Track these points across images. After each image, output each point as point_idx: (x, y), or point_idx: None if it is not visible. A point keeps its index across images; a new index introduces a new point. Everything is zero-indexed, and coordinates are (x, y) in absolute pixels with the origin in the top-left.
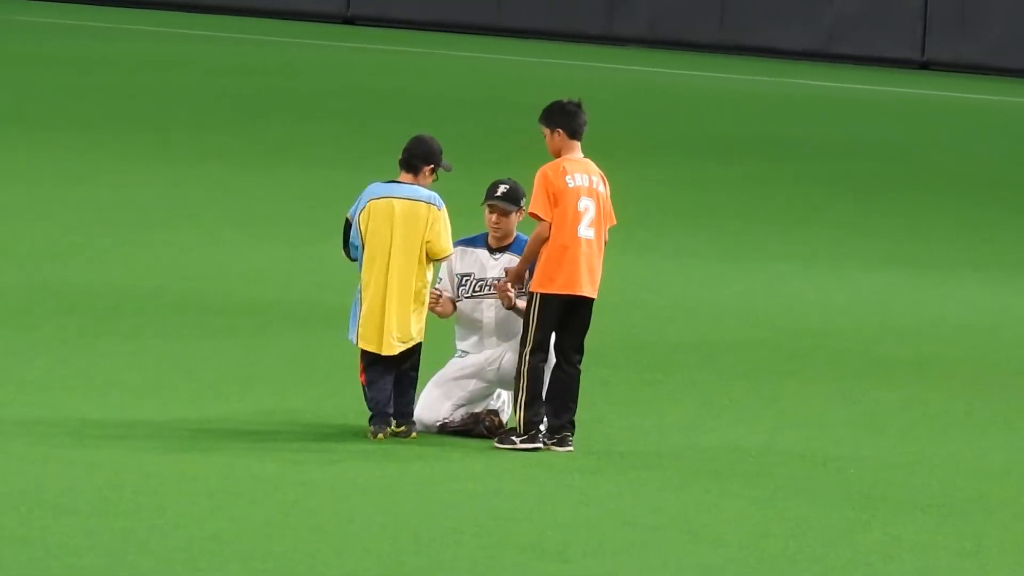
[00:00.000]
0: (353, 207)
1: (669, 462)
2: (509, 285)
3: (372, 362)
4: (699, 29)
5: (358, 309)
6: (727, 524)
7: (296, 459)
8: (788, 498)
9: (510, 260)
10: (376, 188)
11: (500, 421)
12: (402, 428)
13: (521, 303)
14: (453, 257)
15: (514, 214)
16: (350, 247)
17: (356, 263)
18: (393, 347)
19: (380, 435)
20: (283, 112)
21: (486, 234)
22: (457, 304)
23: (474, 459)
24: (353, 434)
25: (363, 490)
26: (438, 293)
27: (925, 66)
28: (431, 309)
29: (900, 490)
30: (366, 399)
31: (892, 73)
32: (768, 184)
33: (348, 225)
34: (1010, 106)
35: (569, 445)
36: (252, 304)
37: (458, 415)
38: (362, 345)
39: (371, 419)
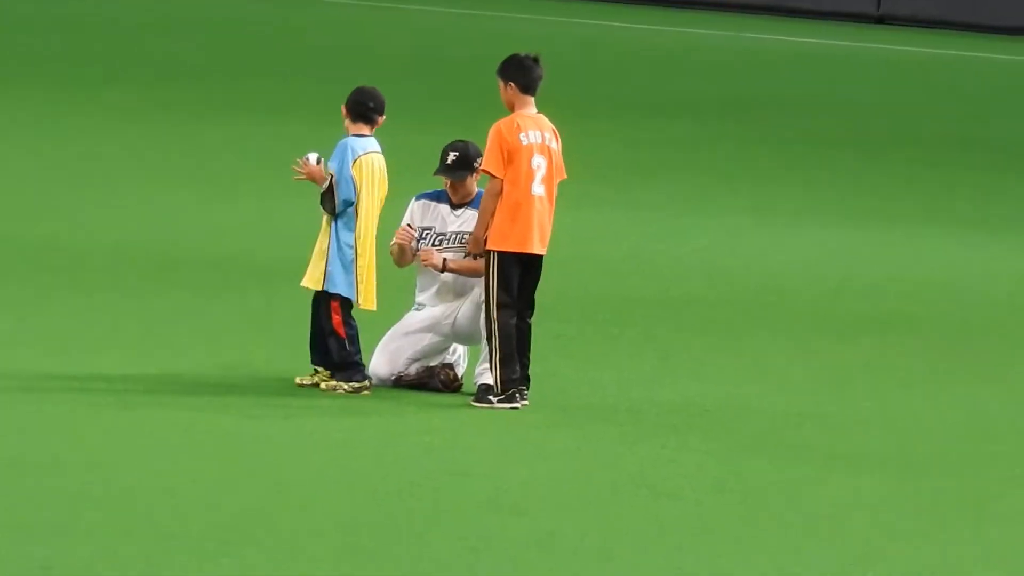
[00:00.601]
0: (335, 161)
1: (626, 416)
2: (434, 255)
3: (350, 313)
4: None
5: (352, 266)
6: (685, 479)
7: (255, 414)
8: (747, 453)
9: (471, 216)
10: (355, 142)
11: (455, 375)
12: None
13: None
14: (415, 210)
15: (470, 177)
16: (340, 202)
17: (339, 216)
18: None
19: (364, 387)
20: (241, 67)
21: (446, 191)
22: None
23: (430, 413)
24: (309, 390)
25: (321, 445)
26: (412, 233)
27: (880, 20)
28: (411, 252)
29: (859, 446)
30: (343, 351)
31: (848, 28)
32: (726, 142)
33: (331, 179)
34: (966, 60)
35: (524, 400)
36: (212, 260)
37: (413, 369)
38: (363, 305)
39: (346, 371)
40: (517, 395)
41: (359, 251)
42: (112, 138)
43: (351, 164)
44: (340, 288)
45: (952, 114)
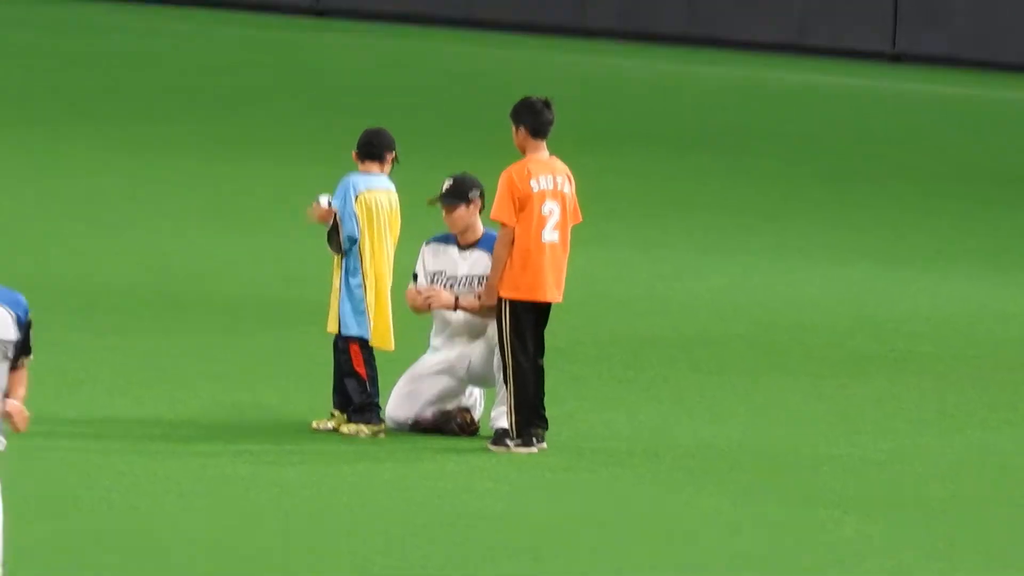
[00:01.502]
0: (338, 199)
1: (642, 459)
2: (443, 295)
3: (371, 355)
4: (669, 21)
5: (363, 305)
6: (700, 522)
7: (268, 458)
8: (761, 496)
9: (479, 257)
10: (358, 179)
11: (472, 418)
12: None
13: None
14: (426, 254)
15: (463, 207)
16: (344, 239)
17: (346, 254)
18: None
19: (381, 431)
20: (253, 105)
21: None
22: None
23: (446, 457)
24: (326, 434)
25: (335, 489)
26: (427, 293)
27: (897, 59)
28: (426, 306)
29: (873, 488)
30: (362, 393)
31: (863, 65)
32: (739, 177)
33: (335, 217)
34: (980, 99)
35: (542, 443)
36: (224, 300)
37: (430, 412)
38: (378, 344)
39: (364, 413)
40: (534, 438)
41: (367, 289)
42: (124, 177)
43: (353, 200)
44: (353, 329)
45: (966, 150)
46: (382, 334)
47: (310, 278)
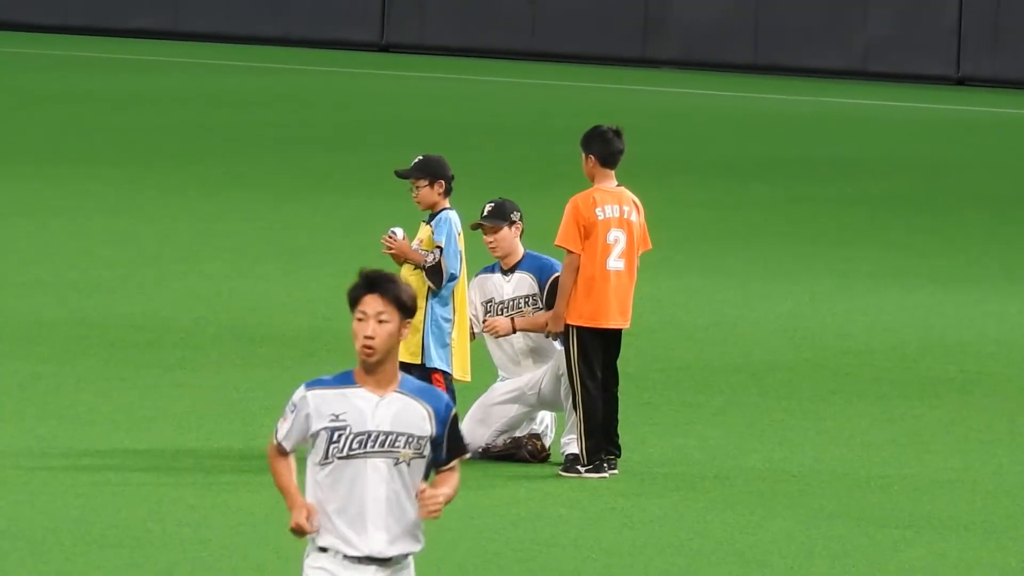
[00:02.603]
0: (443, 236)
1: (713, 484)
2: (500, 322)
3: (451, 384)
4: (734, 51)
5: (448, 338)
6: (772, 545)
7: None
8: (833, 518)
9: (521, 279)
10: (453, 215)
11: (543, 445)
12: None
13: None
14: (474, 289)
15: (505, 229)
16: (447, 275)
17: (440, 289)
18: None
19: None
20: (320, 142)
21: (498, 263)
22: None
23: (517, 484)
24: None
25: None
26: (486, 328)
27: (961, 82)
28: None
29: (944, 508)
30: None
31: (928, 90)
32: (807, 204)
33: (440, 254)
34: None
35: (613, 469)
36: (294, 334)
37: (500, 440)
38: (459, 375)
39: None
40: (605, 464)
41: (454, 324)
42: (189, 213)
43: (457, 237)
44: (437, 362)
45: None
46: (463, 367)
47: None
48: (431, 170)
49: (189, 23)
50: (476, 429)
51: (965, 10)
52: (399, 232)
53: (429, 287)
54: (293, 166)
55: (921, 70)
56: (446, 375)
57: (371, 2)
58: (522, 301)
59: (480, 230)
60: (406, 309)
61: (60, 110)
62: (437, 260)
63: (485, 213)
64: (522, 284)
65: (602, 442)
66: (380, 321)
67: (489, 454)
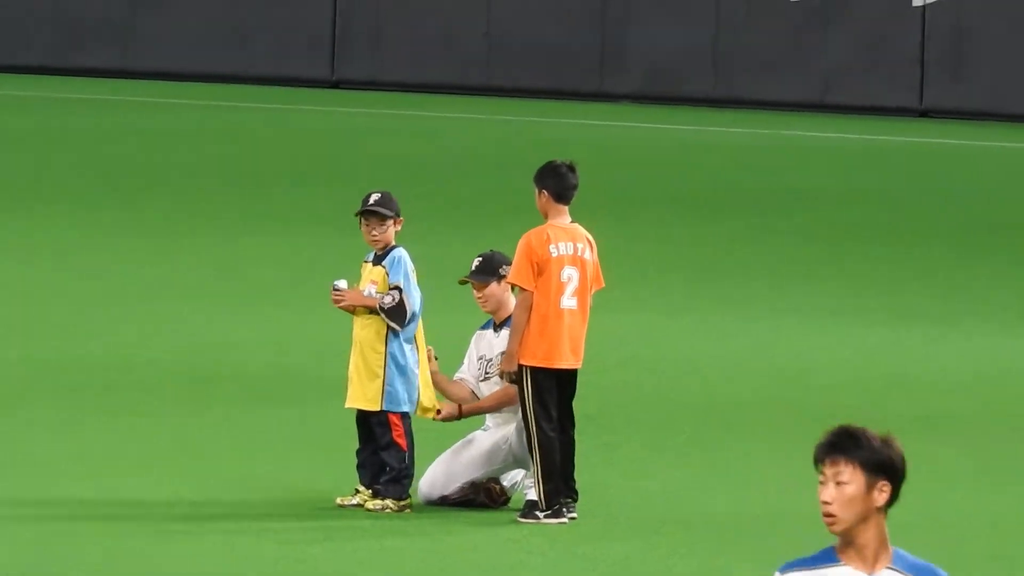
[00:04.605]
0: (399, 275)
1: (676, 528)
2: (447, 408)
3: (410, 426)
4: (692, 83)
5: (413, 377)
6: None
7: (296, 537)
8: None
9: (506, 334)
10: (405, 253)
11: (501, 489)
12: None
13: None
14: (472, 346)
15: (493, 284)
16: (409, 315)
17: (401, 331)
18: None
19: (408, 506)
20: (271, 179)
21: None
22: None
23: (476, 531)
24: (351, 511)
25: (364, 565)
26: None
27: (924, 114)
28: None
29: (912, 550)
30: (402, 464)
31: (890, 122)
32: (768, 237)
33: (400, 294)
34: (1012, 152)
35: (572, 513)
36: (249, 375)
37: (457, 487)
38: (430, 406)
39: (397, 485)
40: (564, 509)
41: (419, 362)
42: (142, 252)
43: (412, 273)
44: (402, 404)
45: (996, 205)
46: (431, 397)
47: (332, 352)
48: (395, 207)
49: (138, 61)
50: (440, 480)
51: (928, 39)
52: (343, 283)
53: (389, 328)
54: (245, 204)
55: (883, 101)
56: (404, 416)
57: (320, 37)
58: (499, 356)
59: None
60: (879, 469)
61: (8, 150)
62: (397, 301)
63: (473, 268)
64: (505, 340)
65: (561, 486)
66: (839, 483)
67: (446, 501)
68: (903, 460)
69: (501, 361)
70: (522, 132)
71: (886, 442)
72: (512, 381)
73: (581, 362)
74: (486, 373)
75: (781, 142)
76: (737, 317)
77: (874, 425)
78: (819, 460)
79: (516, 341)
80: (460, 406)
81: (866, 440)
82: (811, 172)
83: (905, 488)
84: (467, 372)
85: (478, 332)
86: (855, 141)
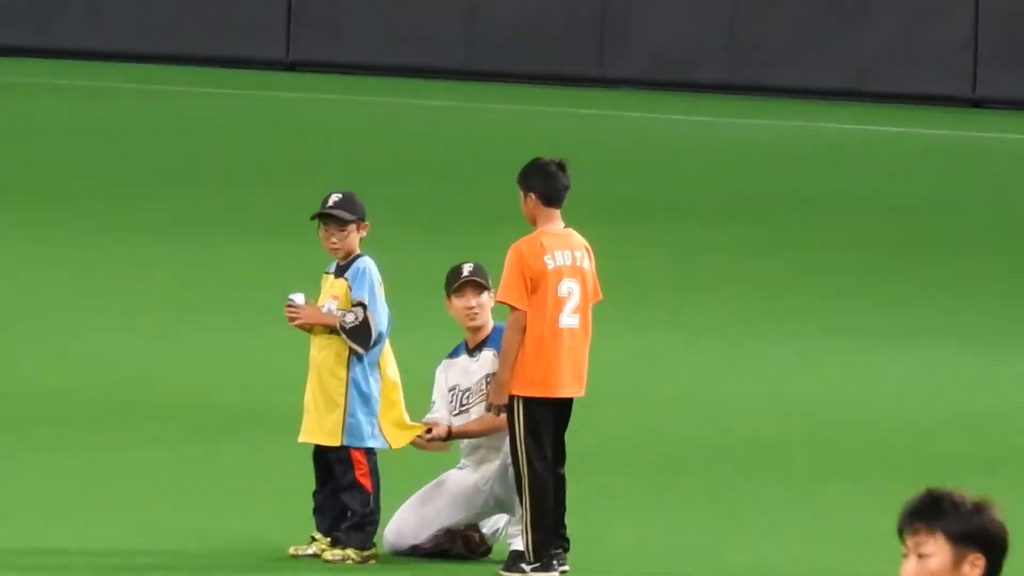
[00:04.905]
0: (364, 289)
1: None
2: (437, 427)
3: (376, 464)
4: (705, 68)
5: (378, 406)
6: None
7: None
8: None
9: (486, 356)
10: (372, 263)
11: (481, 537)
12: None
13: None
14: (439, 377)
15: (487, 295)
16: (376, 335)
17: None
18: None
19: (372, 556)
20: (214, 176)
21: (464, 341)
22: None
23: None
24: (307, 562)
25: None
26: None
27: (977, 104)
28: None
29: None
30: (365, 507)
31: (938, 112)
32: (795, 248)
33: (364, 311)
34: None
35: (563, 566)
36: (183, 407)
37: (430, 535)
38: (394, 443)
39: (360, 532)
40: (554, 561)
41: (382, 387)
42: (60, 263)
43: (378, 288)
44: (366, 440)
45: None
46: (393, 433)
47: (284, 379)
48: (359, 210)
49: (60, 39)
50: (411, 528)
51: (982, 19)
52: (299, 298)
53: (351, 351)
54: (182, 206)
55: (930, 89)
56: (368, 452)
57: (275, 14)
58: (484, 381)
59: (456, 293)
60: (970, 539)
61: None
62: (361, 319)
63: (470, 271)
64: (486, 362)
65: (552, 534)
66: (920, 555)
67: (417, 551)
68: (1002, 529)
69: (489, 392)
70: (506, 123)
71: (979, 507)
72: (500, 414)
73: (584, 389)
74: (461, 405)
75: (812, 137)
76: (757, 341)
77: (925, 470)
78: (901, 530)
79: (507, 369)
80: (449, 427)
81: (953, 505)
82: (848, 172)
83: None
84: (442, 410)
85: (445, 361)
86: (897, 135)
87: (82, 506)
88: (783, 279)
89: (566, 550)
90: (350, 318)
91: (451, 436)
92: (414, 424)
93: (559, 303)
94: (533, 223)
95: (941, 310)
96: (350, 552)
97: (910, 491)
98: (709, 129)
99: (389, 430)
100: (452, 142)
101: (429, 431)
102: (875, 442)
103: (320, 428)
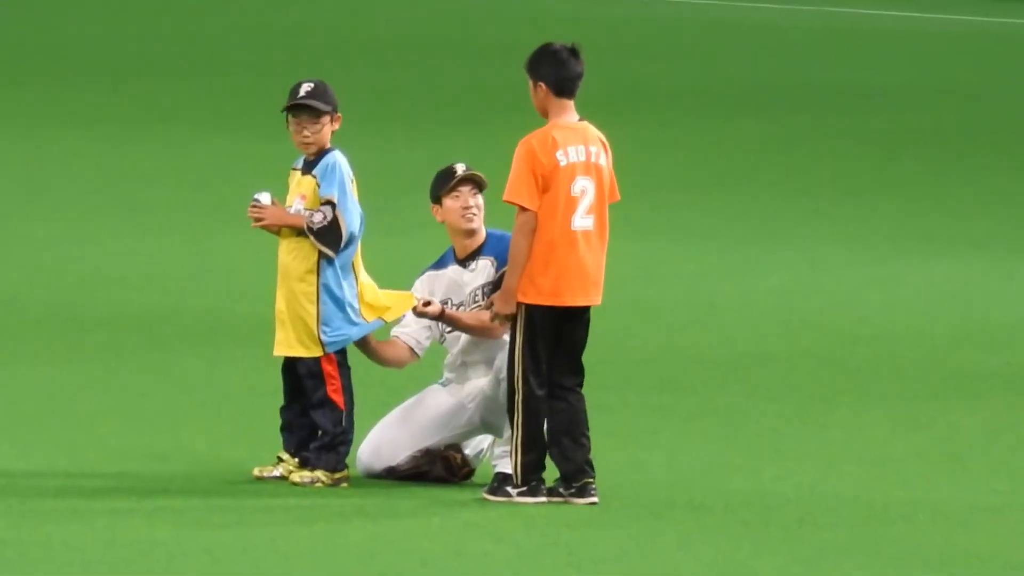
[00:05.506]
0: (334, 187)
1: (685, 512)
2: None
3: (350, 379)
4: None
5: (354, 317)
6: None
7: (197, 518)
8: (841, 555)
9: (483, 266)
10: (343, 157)
11: (463, 458)
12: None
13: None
14: (420, 291)
15: (480, 197)
16: (346, 235)
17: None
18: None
19: (344, 479)
20: (165, 65)
21: (451, 249)
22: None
23: (430, 512)
24: (272, 485)
25: (287, 557)
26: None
27: None
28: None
29: (985, 543)
30: (338, 426)
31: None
32: (807, 144)
33: (334, 210)
34: None
35: (593, 495)
36: (137, 316)
37: (407, 456)
38: (393, 317)
39: (332, 453)
40: (585, 491)
41: (355, 278)
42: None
43: (350, 185)
44: (339, 334)
45: None
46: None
47: (248, 285)
48: (332, 100)
49: None
50: (386, 448)
51: None
52: (265, 197)
53: (321, 254)
54: (130, 96)
55: None
56: (342, 366)
57: None
58: (479, 292)
59: (451, 193)
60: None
61: None
62: (330, 219)
63: (465, 173)
64: (482, 272)
65: (544, 458)
66: None
67: (393, 474)
68: None
69: (495, 301)
70: (500, 4)
71: None
72: (505, 325)
73: (600, 297)
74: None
75: (825, 23)
76: (765, 246)
77: (943, 387)
78: None
79: (516, 275)
80: (442, 308)
81: None
82: (862, 62)
83: (979, 465)
84: (411, 326)
85: (429, 273)
86: (917, 22)
87: (25, 425)
88: (792, 177)
89: (593, 476)
90: (318, 218)
91: (442, 317)
92: (406, 292)
93: (572, 203)
94: (544, 115)
95: (961, 214)
96: (320, 474)
97: (926, 410)
98: (719, 12)
99: (378, 308)
100: (437, 23)
101: (427, 304)
102: (888, 357)
103: (287, 339)
